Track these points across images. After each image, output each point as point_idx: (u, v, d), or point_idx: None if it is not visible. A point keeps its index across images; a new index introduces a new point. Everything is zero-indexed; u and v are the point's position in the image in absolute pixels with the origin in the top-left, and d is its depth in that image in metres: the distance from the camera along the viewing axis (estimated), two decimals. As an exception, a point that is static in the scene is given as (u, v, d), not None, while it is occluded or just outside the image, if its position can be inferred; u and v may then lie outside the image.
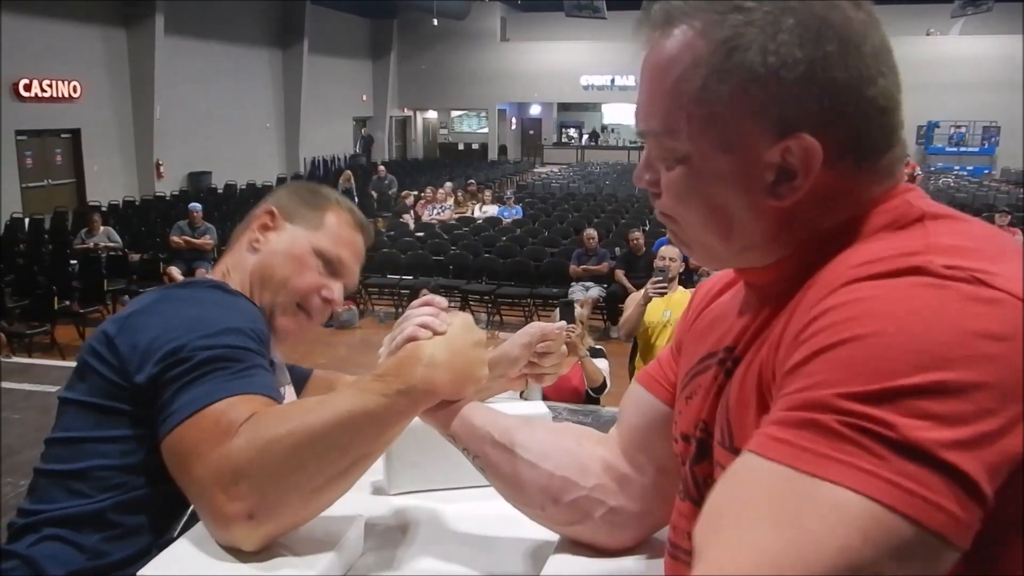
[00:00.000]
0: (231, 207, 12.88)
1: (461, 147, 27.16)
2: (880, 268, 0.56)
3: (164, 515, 0.95)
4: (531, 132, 28.42)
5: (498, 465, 0.93)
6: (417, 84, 24.34)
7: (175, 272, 8.86)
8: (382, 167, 16.53)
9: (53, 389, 6.11)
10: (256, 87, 18.11)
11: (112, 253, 9.44)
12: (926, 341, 0.50)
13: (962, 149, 23.26)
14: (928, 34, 22.94)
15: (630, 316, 4.71)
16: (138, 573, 0.85)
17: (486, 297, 8.98)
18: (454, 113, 27.56)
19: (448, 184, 14.24)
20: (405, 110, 25.76)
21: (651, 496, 0.91)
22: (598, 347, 4.67)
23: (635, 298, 4.77)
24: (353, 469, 0.89)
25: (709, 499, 0.56)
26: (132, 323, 0.98)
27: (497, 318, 8.98)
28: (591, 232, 8.89)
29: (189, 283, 1.06)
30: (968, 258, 0.55)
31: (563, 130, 28.94)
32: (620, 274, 8.33)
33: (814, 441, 0.50)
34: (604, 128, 28.70)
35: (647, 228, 9.88)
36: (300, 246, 1.18)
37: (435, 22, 21.69)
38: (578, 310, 4.75)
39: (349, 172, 15.58)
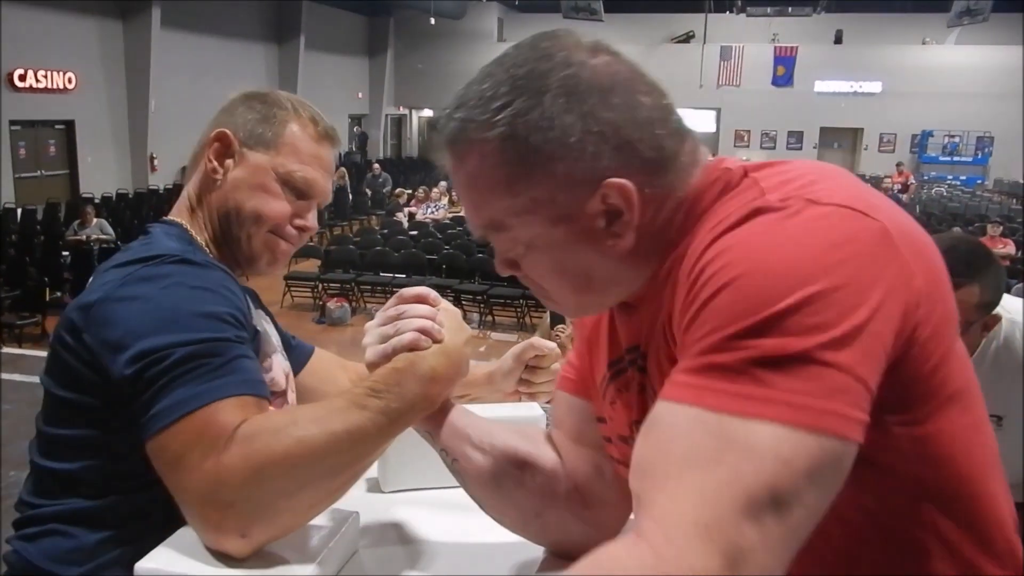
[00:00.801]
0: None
1: (457, 146, 26.96)
2: (729, 221, 0.64)
3: (169, 517, 0.91)
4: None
5: (479, 468, 0.92)
6: (413, 83, 24.27)
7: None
8: (376, 165, 16.51)
9: (44, 381, 6.12)
10: (252, 82, 17.90)
11: (104, 246, 9.40)
12: (785, 266, 0.58)
13: (955, 159, 23.32)
14: (924, 43, 23.00)
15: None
16: (136, 565, 0.84)
17: (479, 297, 8.96)
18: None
19: (443, 183, 14.20)
20: (401, 108, 25.69)
21: (607, 495, 0.92)
22: None
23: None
24: (348, 484, 0.88)
25: (635, 449, 0.62)
26: (98, 314, 0.92)
27: (489, 318, 8.97)
28: (585, 234, 8.88)
29: (152, 257, 0.95)
30: (795, 187, 0.64)
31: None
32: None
33: (716, 380, 0.57)
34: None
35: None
36: (263, 174, 1.08)
37: (432, 21, 21.65)
38: None
39: (343, 169, 15.53)
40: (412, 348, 0.86)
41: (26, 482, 1.03)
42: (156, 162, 14.90)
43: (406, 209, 13.14)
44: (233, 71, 17.07)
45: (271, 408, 0.92)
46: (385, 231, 11.36)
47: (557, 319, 4.42)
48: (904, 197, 15.31)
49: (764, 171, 0.70)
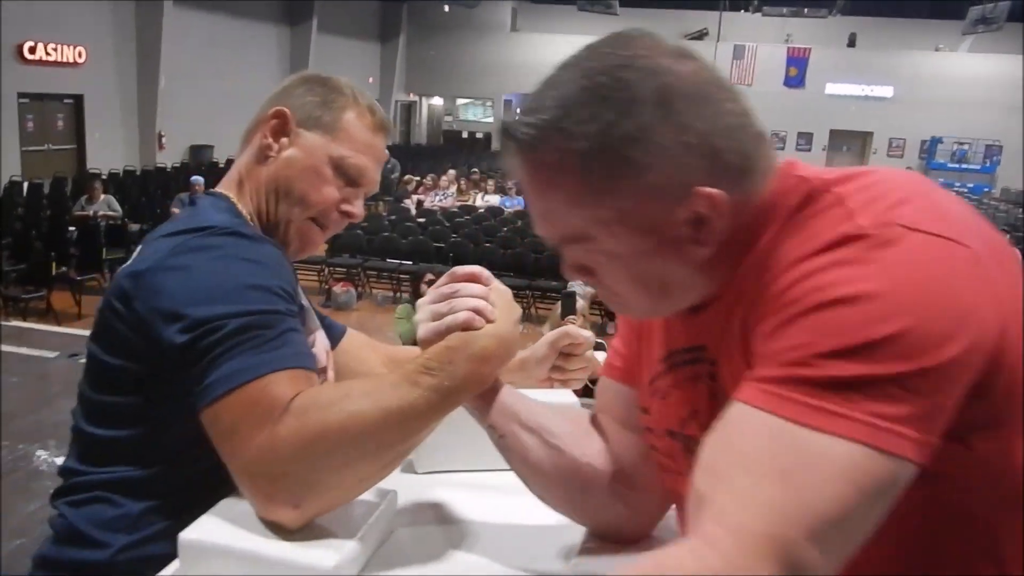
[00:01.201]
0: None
1: (465, 135, 27.01)
2: (820, 242, 0.64)
3: (214, 488, 0.91)
4: (535, 124, 28.36)
5: (526, 448, 0.92)
6: (424, 70, 24.25)
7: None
8: (385, 151, 16.49)
9: (52, 355, 6.13)
10: (262, 63, 18.00)
11: (111, 222, 9.39)
12: (879, 297, 0.59)
13: (964, 166, 23.30)
14: (937, 50, 22.96)
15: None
16: (180, 535, 0.84)
17: (485, 286, 8.96)
18: (460, 101, 27.44)
19: (451, 171, 14.22)
20: (411, 95, 25.67)
21: (653, 481, 0.92)
22: (598, 340, 4.69)
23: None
24: (397, 460, 0.89)
25: (706, 448, 0.63)
26: (150, 282, 0.91)
27: (494, 308, 8.97)
28: (593, 227, 8.88)
29: (202, 228, 0.95)
30: (883, 207, 0.64)
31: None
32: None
33: (799, 393, 0.59)
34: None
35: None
36: (317, 156, 1.08)
37: (446, 8, 21.60)
38: (580, 303, 4.76)
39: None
40: (465, 327, 0.86)
41: (71, 448, 1.02)
42: (164, 140, 14.90)
43: (414, 196, 13.13)
44: (245, 52, 17.07)
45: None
46: (392, 217, 11.36)
47: (568, 310, 4.40)
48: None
49: (846, 185, 0.68)
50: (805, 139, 23.56)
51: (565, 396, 1.27)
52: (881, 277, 0.60)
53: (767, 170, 0.73)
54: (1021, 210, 18.18)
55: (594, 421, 0.98)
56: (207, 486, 0.91)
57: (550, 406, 0.97)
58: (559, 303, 4.71)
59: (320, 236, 1.13)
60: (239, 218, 1.06)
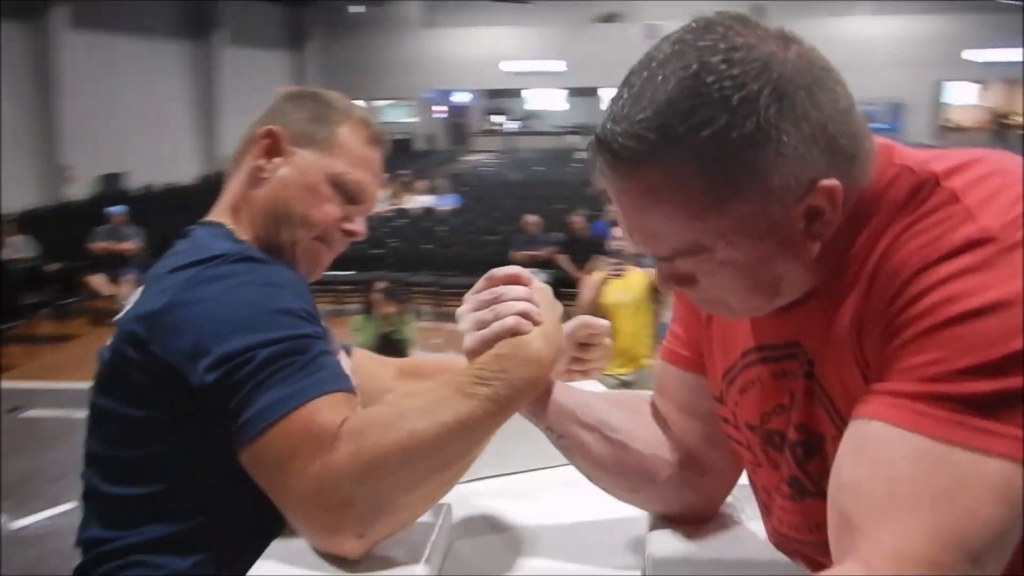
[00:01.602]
0: (149, 210, 12.42)
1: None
2: (944, 247, 0.60)
3: (261, 530, 0.86)
4: (458, 120, 28.27)
5: (588, 446, 0.89)
6: (340, 74, 23.86)
7: (98, 282, 8.47)
8: (382, 165, 16.24)
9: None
10: (170, 81, 17.49)
11: (27, 265, 8.97)
12: (1009, 307, 0.56)
13: (872, 125, 23.76)
14: (841, 15, 23.65)
15: (586, 299, 4.75)
16: None
17: (430, 289, 8.89)
18: (380, 103, 27.22)
19: (383, 176, 14.04)
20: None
21: (718, 463, 0.92)
22: None
23: (590, 281, 4.80)
24: (459, 475, 0.85)
25: (846, 466, 0.61)
26: (166, 323, 0.86)
27: (443, 309, 8.90)
28: (532, 218, 8.89)
29: (211, 258, 0.90)
30: (1003, 205, 0.61)
31: (490, 117, 28.88)
32: (562, 258, 8.34)
33: (943, 410, 0.57)
34: (531, 114, 28.77)
35: (585, 211, 9.92)
36: (313, 175, 1.03)
37: (350, 9, 21.34)
38: None
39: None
40: (514, 333, 0.82)
41: (88, 515, 0.95)
42: (73, 172, 14.28)
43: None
44: (151, 71, 16.55)
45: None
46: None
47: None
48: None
49: (958, 178, 0.65)
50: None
51: (593, 387, 1.24)
52: (1014, 283, 0.57)
53: (871, 153, 0.69)
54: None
55: (653, 408, 0.96)
56: (252, 531, 0.87)
57: (606, 397, 0.94)
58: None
59: (328, 256, 1.08)
60: (241, 244, 1.00)
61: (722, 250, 0.67)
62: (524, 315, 0.83)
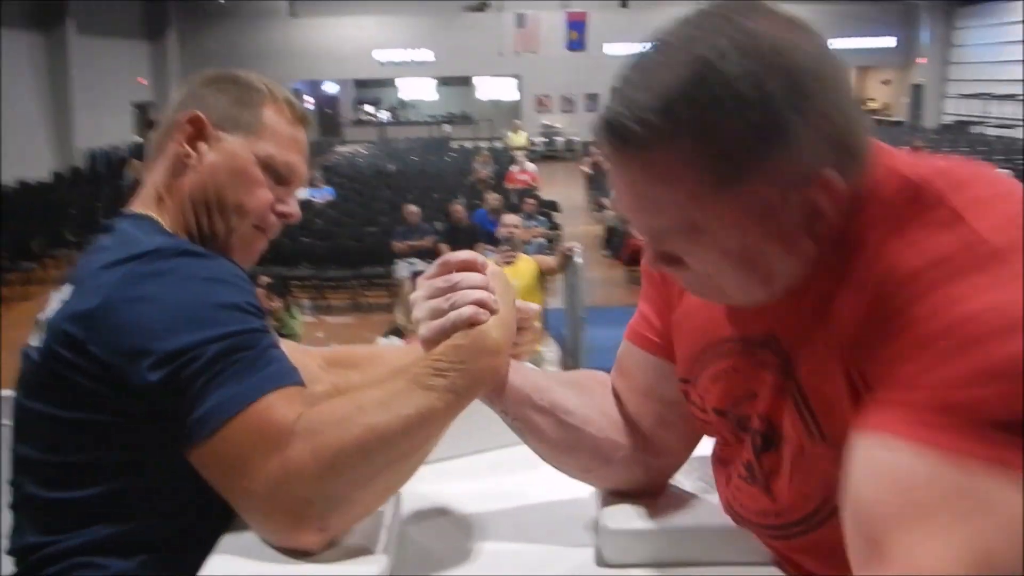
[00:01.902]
0: (1, 208, 11.62)
1: (255, 129, 25.86)
2: (947, 267, 0.60)
3: (209, 527, 0.85)
4: (328, 111, 27.66)
5: (542, 430, 0.90)
6: (204, 65, 22.15)
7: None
8: (307, 144, 15.53)
9: None
10: (17, 73, 16.29)
11: None
12: (1017, 307, 0.56)
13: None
14: (698, 1, 24.51)
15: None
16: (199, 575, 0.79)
17: (309, 282, 8.73)
18: (244, 94, 26.23)
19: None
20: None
21: (671, 444, 0.95)
22: None
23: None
24: (419, 463, 0.86)
25: (863, 488, 0.59)
26: (105, 321, 0.83)
27: (323, 303, 8.77)
28: (412, 208, 8.86)
29: (146, 253, 0.87)
30: (1003, 218, 0.61)
31: (361, 108, 28.43)
32: (444, 248, 8.36)
33: (951, 423, 0.55)
34: (403, 104, 28.52)
35: (464, 200, 9.97)
36: (243, 160, 1.01)
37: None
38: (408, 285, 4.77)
39: (137, 161, 14.49)
40: (471, 324, 0.82)
41: (20, 523, 0.92)
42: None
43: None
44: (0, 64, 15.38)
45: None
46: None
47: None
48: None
49: (960, 197, 0.64)
50: (593, 100, 24.48)
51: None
52: (1010, 283, 0.57)
53: (869, 151, 0.69)
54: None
55: (612, 386, 0.98)
56: (200, 527, 0.86)
57: (560, 378, 0.96)
58: (405, 283, 4.69)
59: (264, 242, 1.07)
60: (175, 237, 0.97)
61: (718, 234, 0.67)
62: (481, 304, 0.82)
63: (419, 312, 0.84)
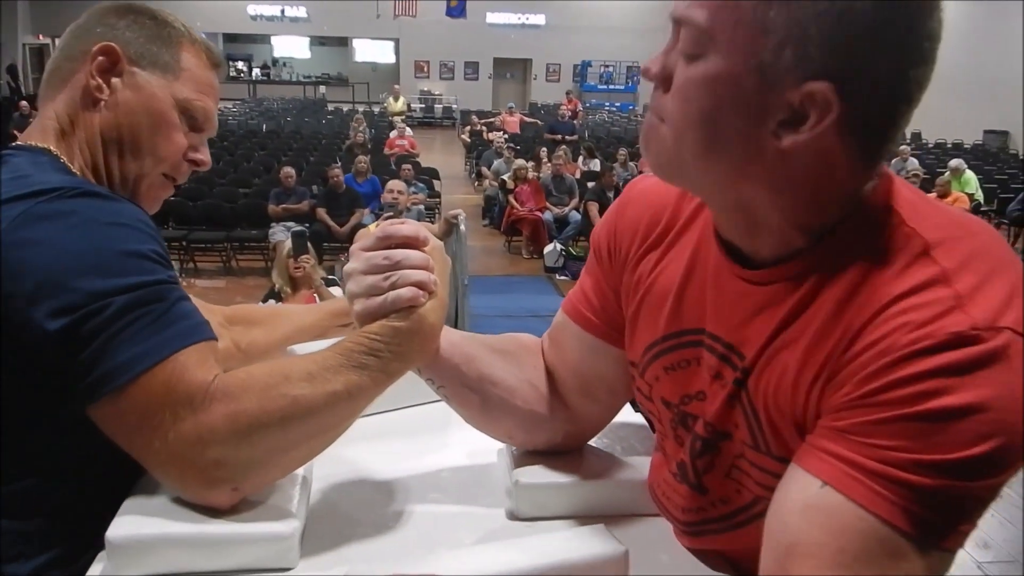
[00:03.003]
0: None
1: (115, 81, 24.33)
2: (930, 339, 0.60)
3: (112, 488, 0.83)
4: (195, 65, 26.36)
5: (467, 400, 0.91)
6: (54, 7, 21.25)
7: None
8: (25, 103, 14.40)
9: None
10: None
11: None
12: (982, 412, 0.59)
13: (611, 87, 25.65)
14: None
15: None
16: (106, 535, 0.76)
17: (178, 244, 8.34)
18: (102, 42, 24.60)
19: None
20: (41, 37, 22.47)
21: (594, 414, 0.98)
22: (331, 277, 4.76)
23: (364, 235, 4.78)
24: (338, 435, 0.85)
25: (793, 521, 0.63)
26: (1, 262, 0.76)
27: (191, 265, 8.40)
28: (288, 170, 8.58)
29: (43, 192, 0.80)
30: (991, 303, 0.61)
31: (231, 63, 27.20)
32: (322, 212, 8.18)
33: (897, 496, 0.60)
34: (276, 62, 27.48)
35: (340, 165, 9.76)
36: (162, 101, 0.96)
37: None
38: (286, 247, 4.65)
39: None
40: (410, 306, 0.80)
41: None
42: None
43: (71, 152, 11.69)
44: None
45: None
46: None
47: (300, 249, 4.32)
48: (576, 123, 16.61)
49: (948, 255, 0.64)
50: (472, 68, 24.43)
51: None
52: (992, 389, 0.59)
53: (877, 162, 0.68)
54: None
55: (543, 353, 0.99)
56: (104, 488, 0.83)
57: (489, 346, 0.94)
58: (283, 245, 4.56)
59: (170, 190, 1.02)
60: (75, 176, 0.91)
61: (719, 47, 0.64)
62: (420, 286, 0.80)
63: (355, 286, 0.81)
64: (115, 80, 0.95)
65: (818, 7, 0.60)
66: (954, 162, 10.15)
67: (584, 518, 0.92)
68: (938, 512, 0.60)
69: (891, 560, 0.60)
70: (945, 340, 0.60)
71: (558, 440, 0.98)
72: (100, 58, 0.94)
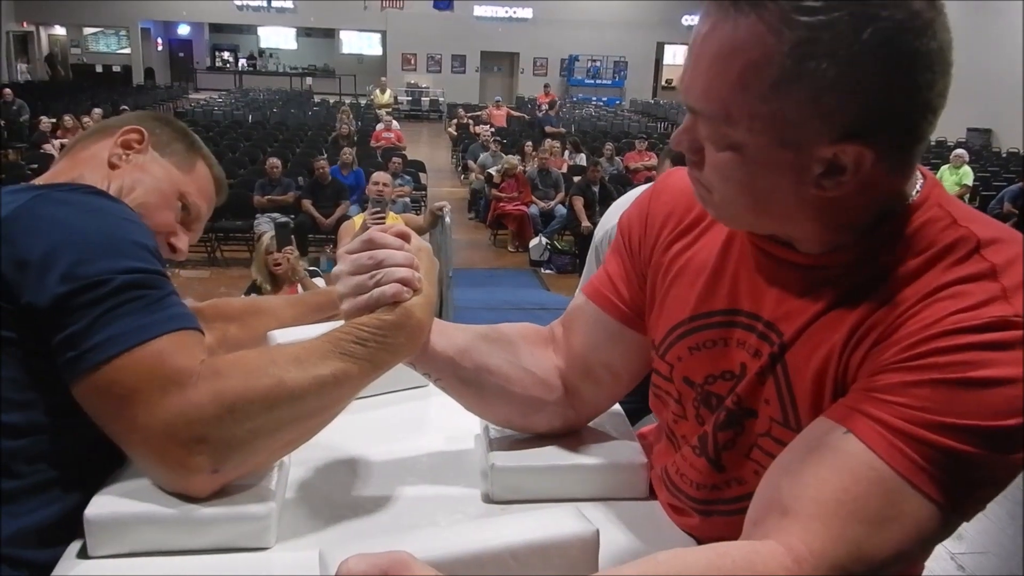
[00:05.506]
0: None
1: (100, 69, 24.15)
2: (979, 320, 0.63)
3: (94, 465, 0.83)
4: (181, 55, 26.14)
5: (464, 390, 0.93)
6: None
7: None
8: (8, 90, 14.29)
9: None
10: None
11: None
12: (1018, 392, 0.62)
13: (597, 81, 25.69)
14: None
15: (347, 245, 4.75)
16: (85, 514, 0.77)
17: (161, 234, 8.29)
18: (87, 30, 24.37)
19: (96, 111, 12.71)
20: (25, 24, 22.26)
21: (595, 399, 1.00)
22: (312, 268, 4.77)
23: (349, 227, 4.78)
24: (323, 424, 0.86)
25: (805, 463, 0.66)
26: (14, 231, 0.80)
27: (176, 256, 8.36)
28: (274, 161, 8.55)
29: (61, 186, 0.89)
30: None
31: (217, 53, 27.03)
32: (307, 204, 8.15)
33: (914, 451, 0.62)
34: (262, 52, 27.33)
35: (326, 157, 9.72)
36: (169, 183, 1.06)
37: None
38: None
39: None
40: (394, 302, 0.82)
41: None
42: None
43: (55, 140, 11.58)
44: None
45: None
46: (35, 166, 9.93)
47: (284, 241, 4.31)
48: (552, 114, 16.64)
49: (997, 253, 0.68)
50: (459, 61, 24.37)
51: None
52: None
53: (914, 160, 0.70)
54: (648, 119, 20.62)
55: (552, 334, 1.00)
56: (84, 471, 0.84)
57: (484, 336, 0.95)
58: (262, 240, 4.54)
59: None
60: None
61: (740, 132, 0.67)
62: (404, 283, 0.82)
63: (342, 287, 0.84)
64: (136, 156, 1.06)
65: (826, 78, 0.62)
66: (958, 151, 10.40)
67: (560, 501, 0.92)
68: (953, 475, 0.62)
69: (892, 507, 0.62)
70: (989, 321, 0.63)
71: (557, 424, 0.99)
72: (129, 135, 1.06)
